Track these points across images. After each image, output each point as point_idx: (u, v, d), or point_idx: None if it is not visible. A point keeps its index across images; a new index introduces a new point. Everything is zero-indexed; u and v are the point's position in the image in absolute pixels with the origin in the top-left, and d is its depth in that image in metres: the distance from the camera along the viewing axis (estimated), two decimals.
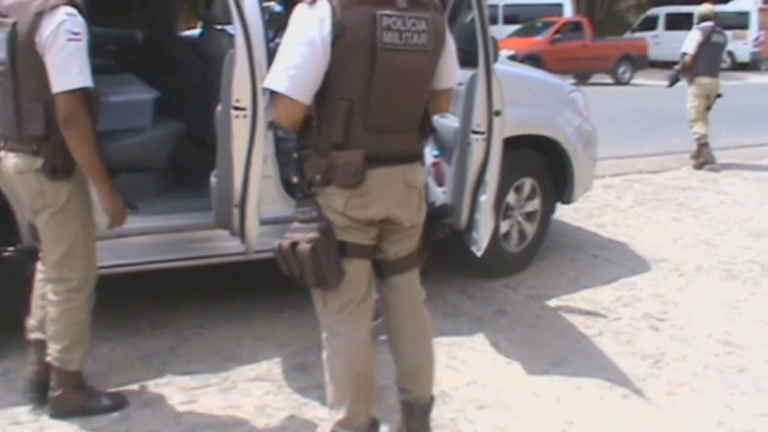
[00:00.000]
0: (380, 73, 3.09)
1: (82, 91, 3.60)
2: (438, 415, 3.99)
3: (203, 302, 5.51)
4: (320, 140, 3.16)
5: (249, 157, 4.08)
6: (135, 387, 4.39)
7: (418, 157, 3.42)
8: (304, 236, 3.17)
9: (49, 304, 3.97)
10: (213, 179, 4.41)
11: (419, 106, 3.33)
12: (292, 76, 3.07)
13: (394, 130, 3.24)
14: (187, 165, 4.63)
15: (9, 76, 3.68)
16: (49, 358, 4.01)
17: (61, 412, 4.09)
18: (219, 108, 4.13)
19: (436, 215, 4.33)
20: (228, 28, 5.23)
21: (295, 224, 3.25)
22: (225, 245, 4.72)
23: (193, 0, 9.87)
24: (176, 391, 4.37)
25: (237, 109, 4.03)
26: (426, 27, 3.18)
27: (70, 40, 3.55)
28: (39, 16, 3.55)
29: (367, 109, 3.13)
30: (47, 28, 3.55)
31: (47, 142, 3.69)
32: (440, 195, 5.09)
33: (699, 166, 11.33)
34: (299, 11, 3.12)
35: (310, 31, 3.05)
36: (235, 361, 4.72)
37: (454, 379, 4.57)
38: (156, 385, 4.42)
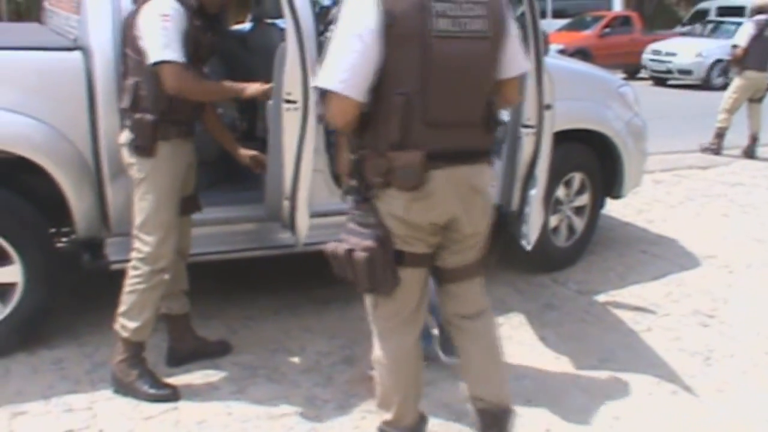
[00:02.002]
0: (436, 63, 2.96)
1: (175, 64, 3.89)
2: None
3: (252, 294, 5.55)
4: (378, 139, 3.03)
5: (300, 150, 4.10)
6: (185, 377, 4.44)
7: (485, 155, 3.27)
8: (360, 242, 3.09)
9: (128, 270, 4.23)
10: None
11: (481, 97, 3.15)
12: (344, 71, 2.94)
13: (455, 125, 3.10)
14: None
15: (122, 59, 4.15)
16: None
17: (114, 382, 4.27)
18: (270, 101, 4.16)
19: (504, 220, 4.26)
20: (278, 21, 5.29)
21: (351, 225, 3.16)
22: (275, 237, 4.77)
23: None
24: (225, 381, 4.42)
25: (288, 102, 4.05)
26: (484, 11, 3.05)
27: (158, 20, 3.90)
28: (139, 4, 4.01)
29: (425, 104, 2.99)
30: (143, 12, 3.95)
31: (131, 118, 4.04)
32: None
33: (705, 150, 11.75)
34: (347, 3, 3.02)
35: (359, 24, 2.93)
36: (284, 353, 4.76)
37: None
38: (205, 375, 4.47)
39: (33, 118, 4.40)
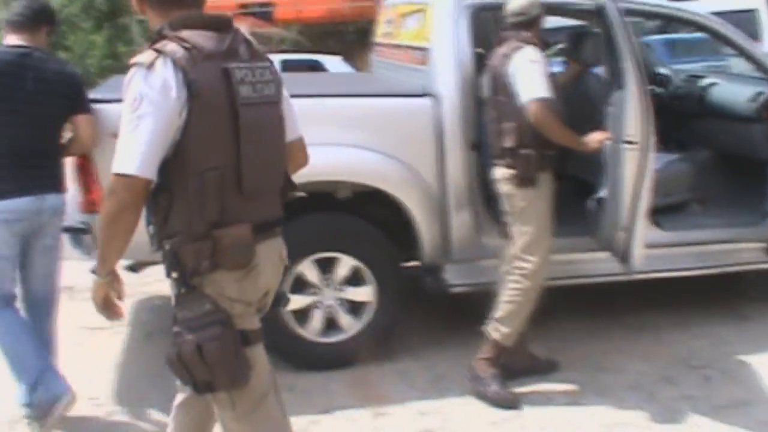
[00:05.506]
0: (244, 132, 2.77)
1: (545, 100, 4.47)
2: None
3: (567, 319, 5.98)
4: (191, 222, 2.73)
5: (639, 186, 4.56)
6: (520, 389, 4.90)
7: (281, 224, 3.09)
8: (203, 334, 2.73)
9: (506, 284, 4.78)
10: (591, 204, 4.92)
11: (283, 163, 3.05)
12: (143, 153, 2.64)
13: (265, 194, 2.94)
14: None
15: (493, 105, 4.70)
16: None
17: (470, 377, 4.86)
18: (608, 142, 4.63)
19: None
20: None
21: (182, 323, 2.78)
22: (599, 266, 5.24)
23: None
24: (558, 394, 4.87)
25: (628, 143, 4.52)
26: (271, 76, 2.95)
27: (529, 65, 4.51)
28: (506, 56, 4.58)
29: (239, 175, 2.77)
30: (514, 61, 4.54)
31: (516, 156, 4.60)
32: None
33: None
34: (139, 74, 2.70)
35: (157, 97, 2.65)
36: (605, 372, 5.15)
37: None
38: (539, 388, 4.96)
39: (389, 156, 5.03)
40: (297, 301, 5.08)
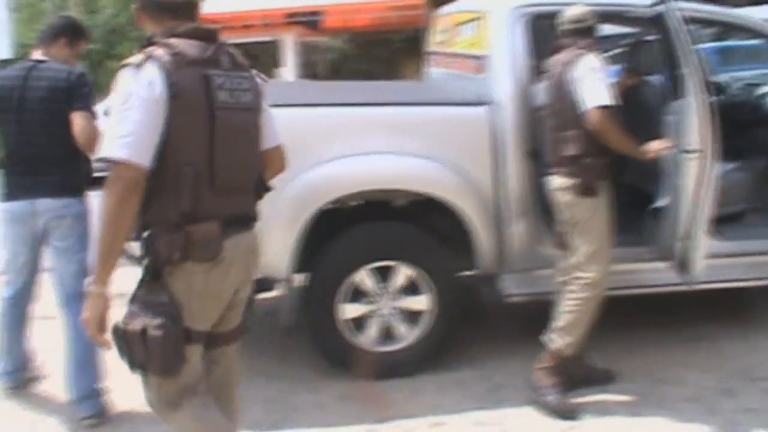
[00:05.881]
0: (220, 133, 3.02)
1: (607, 108, 4.45)
2: None
3: (625, 328, 5.92)
4: (167, 212, 2.98)
5: (700, 196, 4.52)
6: (578, 399, 4.85)
7: (255, 220, 3.32)
8: (151, 321, 2.96)
9: (565, 294, 4.76)
10: (650, 214, 4.90)
11: (256, 164, 3.28)
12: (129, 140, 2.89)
13: (238, 192, 3.18)
14: None
15: (552, 113, 4.65)
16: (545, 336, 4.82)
17: (531, 386, 4.84)
18: (668, 151, 4.60)
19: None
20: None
21: (137, 304, 3.03)
22: (661, 276, 5.17)
23: None
24: (617, 406, 4.82)
25: (689, 152, 4.48)
26: (249, 85, 3.19)
27: (590, 73, 4.48)
28: (568, 64, 4.54)
29: (213, 173, 3.02)
30: (577, 70, 4.50)
31: (578, 165, 4.56)
32: None
33: None
34: (127, 74, 2.97)
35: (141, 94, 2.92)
36: (664, 383, 5.09)
37: None
38: (598, 400, 4.90)
39: (445, 165, 5.03)
40: (353, 310, 5.11)
